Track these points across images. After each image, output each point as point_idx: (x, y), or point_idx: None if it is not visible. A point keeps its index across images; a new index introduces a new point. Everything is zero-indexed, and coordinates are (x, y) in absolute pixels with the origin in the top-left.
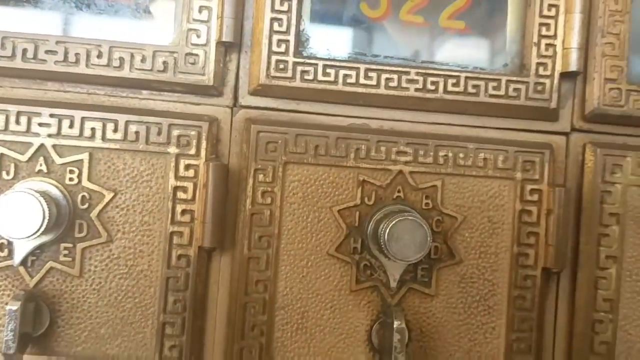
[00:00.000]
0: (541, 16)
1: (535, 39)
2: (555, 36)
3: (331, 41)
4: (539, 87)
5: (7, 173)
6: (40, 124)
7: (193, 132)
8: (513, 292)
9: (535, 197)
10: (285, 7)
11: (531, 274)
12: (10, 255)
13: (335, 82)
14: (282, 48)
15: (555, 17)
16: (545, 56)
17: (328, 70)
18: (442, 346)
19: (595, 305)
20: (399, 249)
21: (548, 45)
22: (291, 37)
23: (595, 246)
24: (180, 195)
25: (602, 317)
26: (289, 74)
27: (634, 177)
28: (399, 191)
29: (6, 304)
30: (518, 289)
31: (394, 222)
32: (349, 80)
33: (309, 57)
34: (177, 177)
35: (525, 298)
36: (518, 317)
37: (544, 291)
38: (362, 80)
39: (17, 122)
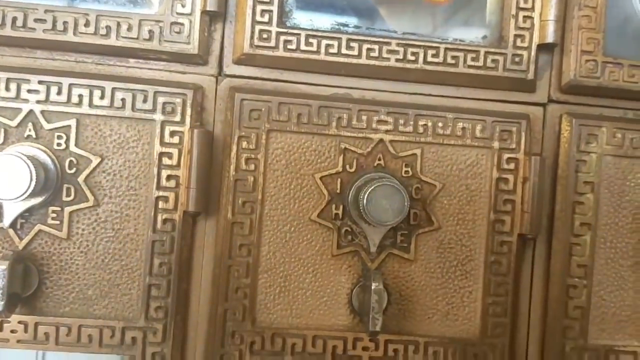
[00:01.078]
0: None
1: (513, 11)
2: (532, 8)
3: (314, 12)
4: (517, 59)
5: None
6: (29, 91)
7: (178, 100)
8: (490, 258)
9: (512, 165)
10: None
11: (507, 240)
12: (0, 217)
13: (317, 52)
14: (266, 18)
15: None
16: (523, 28)
17: (311, 40)
18: (420, 309)
19: (569, 271)
20: (378, 214)
21: (526, 17)
22: (274, 8)
23: (570, 214)
24: (166, 161)
25: (577, 282)
26: (273, 43)
27: (609, 147)
28: (379, 159)
29: None
30: (494, 254)
31: (372, 187)
32: (331, 50)
33: (292, 28)
34: (162, 144)
35: (501, 263)
36: (494, 281)
37: (519, 257)
38: (344, 51)
39: (7, 88)
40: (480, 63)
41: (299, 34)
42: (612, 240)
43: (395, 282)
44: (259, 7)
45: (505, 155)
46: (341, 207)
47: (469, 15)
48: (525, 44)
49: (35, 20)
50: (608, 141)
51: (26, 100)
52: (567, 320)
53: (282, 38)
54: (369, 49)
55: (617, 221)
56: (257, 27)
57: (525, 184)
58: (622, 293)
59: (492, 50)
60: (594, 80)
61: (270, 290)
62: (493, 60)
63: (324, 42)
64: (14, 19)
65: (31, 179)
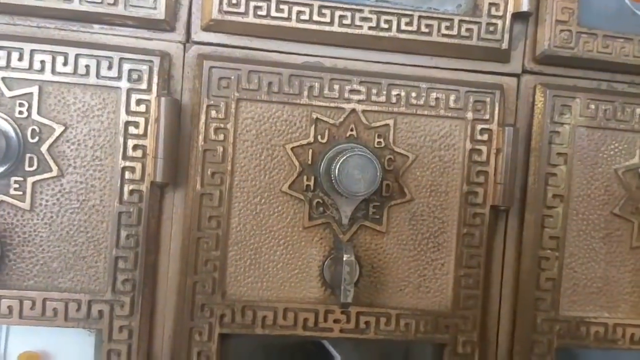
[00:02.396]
0: None
1: None
2: None
3: None
4: (491, 28)
5: None
6: None
7: (144, 67)
8: (462, 230)
9: (485, 136)
10: None
11: (480, 212)
12: None
13: (288, 18)
14: None
15: None
16: None
17: (281, 7)
18: (392, 281)
19: (541, 243)
20: (350, 185)
21: None
22: None
23: (542, 185)
24: (132, 130)
25: (549, 254)
26: (242, 9)
27: (583, 118)
28: (352, 129)
29: None
30: (467, 226)
31: (344, 157)
32: (302, 17)
33: None
34: (128, 112)
35: (474, 235)
36: (467, 253)
37: (492, 229)
38: (315, 17)
39: None
40: (455, 32)
41: (270, 0)
42: (584, 212)
43: (367, 254)
44: None
45: (479, 126)
46: (312, 178)
47: None
48: (500, 13)
49: None
50: (582, 112)
51: None
52: (538, 292)
53: (252, 4)
54: (341, 16)
55: (590, 193)
56: None
57: (498, 155)
58: (594, 265)
59: (467, 19)
60: (569, 50)
61: (240, 263)
62: (467, 29)
63: (295, 8)
64: None
65: None
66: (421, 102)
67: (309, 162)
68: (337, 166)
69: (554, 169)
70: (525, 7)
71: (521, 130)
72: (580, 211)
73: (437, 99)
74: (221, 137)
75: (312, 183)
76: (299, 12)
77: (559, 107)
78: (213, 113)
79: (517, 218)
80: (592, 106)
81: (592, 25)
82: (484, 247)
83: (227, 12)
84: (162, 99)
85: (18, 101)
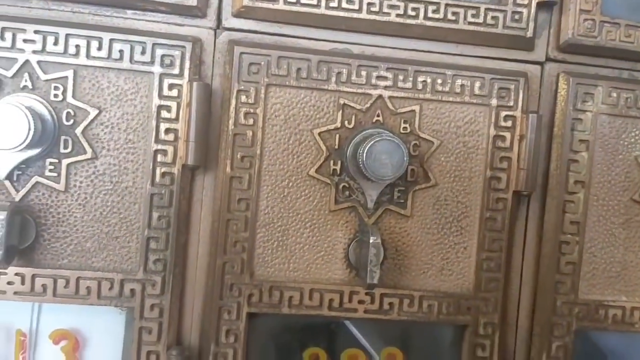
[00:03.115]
0: None
1: None
2: None
3: None
4: (517, 16)
5: None
6: (25, 40)
7: (177, 52)
8: (485, 214)
9: (509, 123)
10: None
11: (503, 196)
12: None
13: (318, 5)
14: None
15: None
16: None
17: None
18: (415, 264)
19: (562, 228)
20: (377, 169)
21: None
22: None
23: (564, 171)
24: (164, 114)
25: (569, 239)
26: None
27: (604, 105)
28: (378, 115)
29: None
30: (490, 211)
31: (372, 142)
32: (331, 4)
33: None
34: (160, 96)
35: (496, 220)
36: (489, 237)
37: (514, 213)
38: (344, 5)
39: (2, 37)
40: (481, 20)
41: None
42: (604, 198)
43: (392, 238)
44: None
45: (503, 113)
46: (339, 163)
47: None
48: (525, 2)
49: None
50: (603, 100)
51: (22, 50)
52: (558, 275)
53: None
54: (369, 4)
55: (610, 179)
56: None
57: (521, 141)
58: (613, 250)
59: (493, 7)
60: (592, 39)
61: (268, 245)
62: (493, 17)
63: None
64: None
65: (29, 129)
66: (447, 88)
67: (336, 147)
68: (365, 150)
69: (576, 156)
70: None
71: (544, 117)
72: (600, 197)
73: (462, 85)
74: (251, 121)
75: (338, 167)
76: (328, 0)
77: (581, 95)
78: (243, 98)
79: (538, 203)
80: (614, 94)
81: (615, 14)
82: (506, 231)
83: None
84: (194, 83)
85: (53, 84)
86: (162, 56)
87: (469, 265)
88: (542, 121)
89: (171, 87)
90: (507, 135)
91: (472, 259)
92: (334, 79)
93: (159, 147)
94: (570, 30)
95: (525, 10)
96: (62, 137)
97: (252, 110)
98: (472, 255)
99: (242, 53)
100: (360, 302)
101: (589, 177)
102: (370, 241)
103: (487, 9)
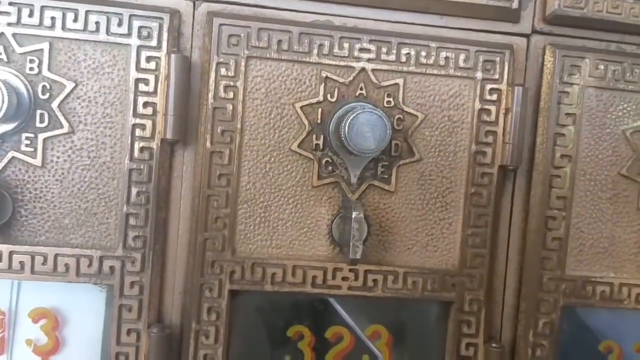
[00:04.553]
0: None
1: None
2: None
3: None
4: None
5: None
6: None
7: (154, 24)
8: (470, 189)
9: (495, 96)
10: None
11: (488, 171)
12: None
13: None
14: None
15: None
16: None
17: None
18: (400, 240)
19: (549, 203)
20: (360, 141)
21: None
22: None
23: (551, 145)
24: (142, 87)
25: (556, 214)
26: None
27: (591, 78)
28: (361, 89)
29: None
30: (475, 186)
31: (354, 114)
32: None
33: None
34: (138, 69)
35: (481, 195)
36: (474, 213)
37: (500, 188)
38: None
39: None
40: None
41: None
42: (591, 172)
43: (376, 214)
44: None
45: (488, 86)
46: (322, 137)
47: None
48: None
49: None
50: (591, 73)
51: None
52: (545, 251)
53: None
54: None
55: (597, 153)
56: None
57: (507, 115)
58: (600, 225)
59: None
60: (578, 10)
61: (250, 221)
62: None
63: None
64: None
65: (3, 102)
66: (431, 61)
67: (318, 121)
68: (347, 123)
69: (563, 129)
70: None
71: (530, 90)
72: (587, 172)
73: (446, 58)
74: (231, 95)
75: (321, 142)
76: None
77: (568, 68)
78: (223, 71)
79: (524, 178)
80: (601, 67)
81: None
82: (491, 206)
83: None
84: (172, 56)
85: (29, 57)
86: (140, 28)
87: (454, 241)
88: (528, 94)
89: (149, 59)
90: (493, 108)
91: (457, 234)
92: (315, 51)
93: (137, 121)
94: (557, 1)
95: None
96: (38, 111)
97: (232, 84)
98: (457, 231)
99: (221, 25)
100: (344, 278)
101: (575, 151)
102: (353, 216)
103: None
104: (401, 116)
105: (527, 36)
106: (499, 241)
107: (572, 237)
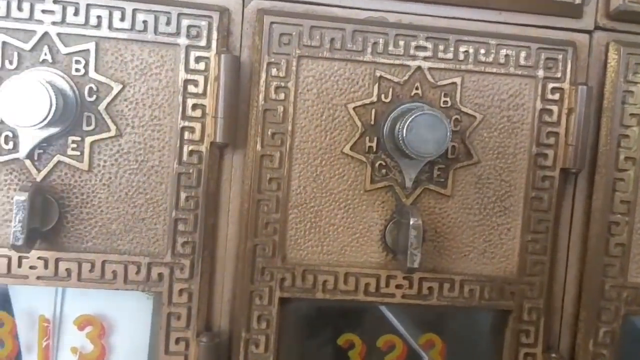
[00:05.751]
0: None
1: None
2: None
3: None
4: None
5: (10, 62)
6: (43, 11)
7: (203, 23)
8: (530, 193)
9: (557, 96)
10: None
11: (549, 174)
12: (16, 148)
13: None
14: None
15: None
16: None
17: None
18: (456, 246)
19: (612, 207)
20: (418, 145)
21: None
22: None
23: (614, 147)
24: (191, 89)
25: (619, 219)
26: None
27: None
28: (417, 88)
29: (12, 198)
30: (535, 190)
31: (414, 116)
32: None
33: None
34: (187, 70)
35: (542, 199)
36: (534, 218)
37: (561, 192)
38: None
39: (19, 8)
40: None
41: None
42: None
43: (431, 219)
44: None
45: (550, 85)
46: (375, 139)
47: None
48: None
49: None
50: None
51: (40, 22)
52: (607, 257)
53: None
54: None
55: None
56: None
57: (570, 115)
58: None
59: None
60: None
61: (300, 226)
62: None
63: None
64: None
65: (50, 105)
66: (490, 59)
67: (372, 123)
68: (405, 125)
69: (627, 130)
70: None
71: (593, 88)
72: None
73: (506, 56)
74: (282, 96)
75: (374, 144)
76: None
77: (633, 66)
78: (274, 71)
79: (586, 181)
80: None
81: None
82: (552, 211)
83: None
84: (222, 56)
85: (74, 58)
86: (188, 27)
87: (513, 247)
88: (592, 93)
89: (198, 60)
90: (555, 108)
91: (516, 240)
92: (369, 49)
93: (186, 123)
94: None
95: None
96: (85, 114)
97: (283, 84)
98: (516, 236)
99: (272, 23)
100: (398, 286)
101: None
102: (411, 223)
103: None
104: (458, 117)
105: (589, 32)
106: (559, 247)
107: (636, 243)
